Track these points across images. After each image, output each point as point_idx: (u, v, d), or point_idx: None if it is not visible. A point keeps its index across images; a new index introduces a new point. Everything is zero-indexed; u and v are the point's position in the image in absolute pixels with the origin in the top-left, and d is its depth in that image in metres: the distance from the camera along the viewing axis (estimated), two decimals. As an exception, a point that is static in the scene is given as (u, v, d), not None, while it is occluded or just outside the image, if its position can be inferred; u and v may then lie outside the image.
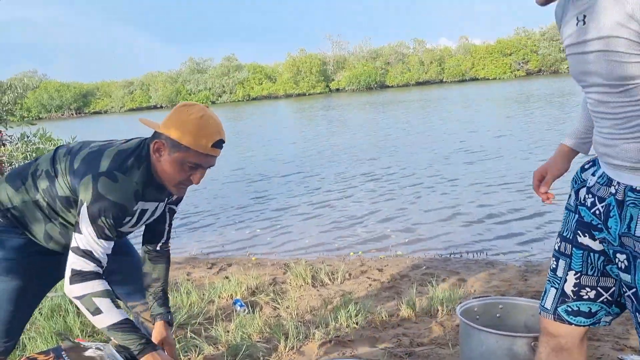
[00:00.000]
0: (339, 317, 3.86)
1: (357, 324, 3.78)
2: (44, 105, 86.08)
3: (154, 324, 2.45)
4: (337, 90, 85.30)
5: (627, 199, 1.53)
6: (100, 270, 2.02)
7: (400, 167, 12.19)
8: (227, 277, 5.17)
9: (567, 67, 1.76)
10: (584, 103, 1.88)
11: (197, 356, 3.33)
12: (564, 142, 1.97)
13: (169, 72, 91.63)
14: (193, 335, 3.66)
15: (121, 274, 2.50)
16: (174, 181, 2.09)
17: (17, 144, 7.48)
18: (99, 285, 1.98)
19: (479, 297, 2.67)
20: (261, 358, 3.32)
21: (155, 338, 2.37)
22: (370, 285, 4.80)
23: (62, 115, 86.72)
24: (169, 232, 2.52)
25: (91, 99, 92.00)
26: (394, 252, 6.28)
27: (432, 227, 7.21)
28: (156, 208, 2.28)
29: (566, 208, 1.86)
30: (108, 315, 1.97)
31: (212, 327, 3.83)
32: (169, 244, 2.55)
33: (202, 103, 2.41)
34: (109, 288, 2.04)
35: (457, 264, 5.42)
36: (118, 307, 2.04)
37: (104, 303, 1.97)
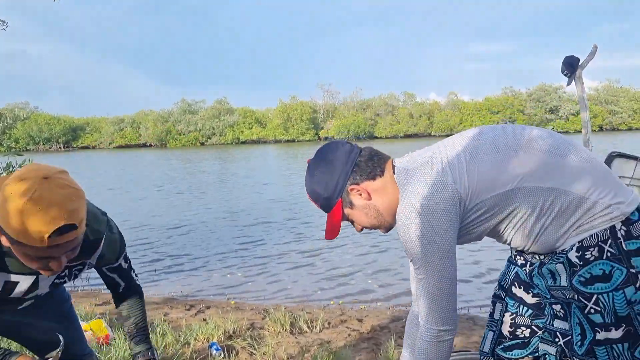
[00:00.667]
0: (316, 366, 3.80)
1: (334, 375, 3.72)
2: (33, 137, 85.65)
3: None
4: (326, 138, 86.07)
5: (544, 259, 1.73)
6: None
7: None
8: (204, 320, 5.09)
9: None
10: None
11: (168, 400, 3.24)
12: None
13: (161, 111, 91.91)
14: (166, 378, 3.57)
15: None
16: (32, 268, 1.68)
17: (1, 173, 7.44)
18: None
19: (459, 351, 2.65)
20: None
21: None
22: (349, 335, 4.75)
23: (50, 148, 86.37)
24: (124, 279, 2.20)
25: (80, 134, 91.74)
26: (376, 303, 6.23)
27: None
28: (37, 279, 1.91)
29: (508, 260, 2.01)
30: None
31: (186, 371, 3.74)
32: (135, 284, 2.27)
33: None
34: None
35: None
36: None
37: None
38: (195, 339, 4.49)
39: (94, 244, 1.89)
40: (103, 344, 4.17)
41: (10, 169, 8.02)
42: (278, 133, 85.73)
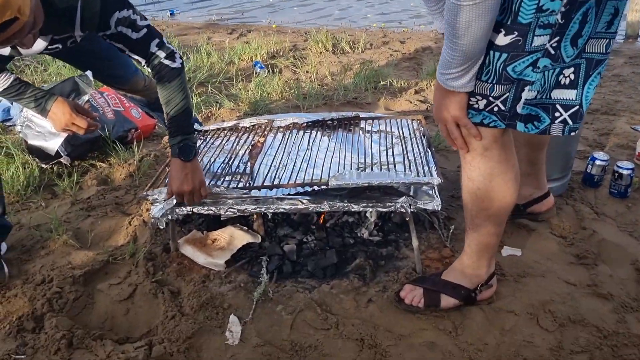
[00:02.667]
0: (357, 82, 3.88)
1: (375, 89, 3.82)
2: None
3: None
4: None
5: None
6: None
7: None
8: (247, 42, 5.12)
9: None
10: None
11: (218, 110, 3.44)
12: None
13: None
14: (214, 91, 3.75)
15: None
16: None
17: None
18: None
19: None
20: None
21: None
22: (391, 55, 4.74)
23: None
24: (140, 53, 1.85)
25: None
26: (418, 26, 6.08)
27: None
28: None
29: None
30: None
31: (233, 86, 3.90)
32: (159, 62, 1.85)
33: None
34: None
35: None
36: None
37: None
38: (239, 59, 4.58)
39: (68, 12, 1.70)
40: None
41: None
42: None
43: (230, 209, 1.84)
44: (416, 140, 2.15)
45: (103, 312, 1.79)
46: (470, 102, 1.40)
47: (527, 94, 1.33)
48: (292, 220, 2.11)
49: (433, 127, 3.12)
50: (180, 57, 1.89)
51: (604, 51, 1.31)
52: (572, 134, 1.40)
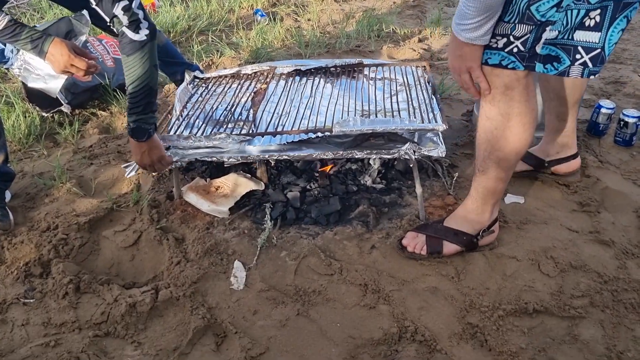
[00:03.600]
0: (360, 30, 3.81)
1: (378, 37, 3.75)
2: None
3: None
4: None
5: None
6: None
7: None
8: (247, -11, 4.99)
9: None
10: None
11: (219, 58, 3.39)
12: None
13: None
14: (214, 39, 3.68)
15: None
16: None
17: None
18: None
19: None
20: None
21: None
22: (394, 2, 4.63)
23: None
24: (105, 11, 1.68)
25: None
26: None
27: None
28: None
29: None
30: None
31: (233, 34, 3.83)
32: (121, 29, 1.67)
33: None
34: None
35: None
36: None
37: None
38: (240, 6, 4.47)
39: None
40: (150, 11, 4.21)
41: None
42: None
43: (233, 156, 1.84)
44: (421, 88, 2.12)
45: (109, 258, 1.81)
46: (490, 43, 1.38)
47: (549, 33, 1.31)
48: (295, 168, 2.10)
49: (437, 74, 3.08)
50: (150, 27, 1.70)
51: None
52: (592, 77, 1.39)
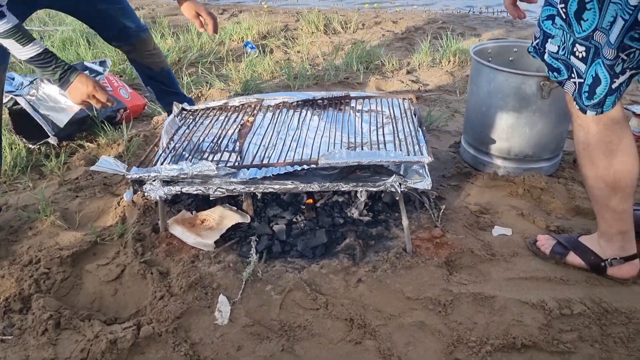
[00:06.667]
0: (349, 62, 3.85)
1: (367, 69, 3.79)
2: None
3: None
4: None
5: None
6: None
7: None
8: (238, 22, 5.05)
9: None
10: None
11: (208, 90, 3.41)
12: None
13: None
14: (204, 71, 3.70)
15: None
16: None
17: None
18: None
19: (494, 39, 2.60)
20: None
21: None
22: (383, 35, 4.70)
23: None
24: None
25: None
26: (411, 6, 6.02)
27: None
28: None
29: None
30: (18, 53, 1.87)
31: (223, 66, 3.86)
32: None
33: None
34: (12, 25, 1.82)
35: (475, 21, 5.23)
36: (29, 42, 1.87)
37: (7, 43, 1.84)
38: (230, 39, 4.53)
39: None
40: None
41: None
42: None
43: (219, 189, 1.82)
44: (407, 120, 2.13)
45: (91, 292, 1.77)
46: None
47: (550, 46, 1.54)
48: (281, 200, 2.09)
49: (425, 106, 3.10)
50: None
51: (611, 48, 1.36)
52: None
